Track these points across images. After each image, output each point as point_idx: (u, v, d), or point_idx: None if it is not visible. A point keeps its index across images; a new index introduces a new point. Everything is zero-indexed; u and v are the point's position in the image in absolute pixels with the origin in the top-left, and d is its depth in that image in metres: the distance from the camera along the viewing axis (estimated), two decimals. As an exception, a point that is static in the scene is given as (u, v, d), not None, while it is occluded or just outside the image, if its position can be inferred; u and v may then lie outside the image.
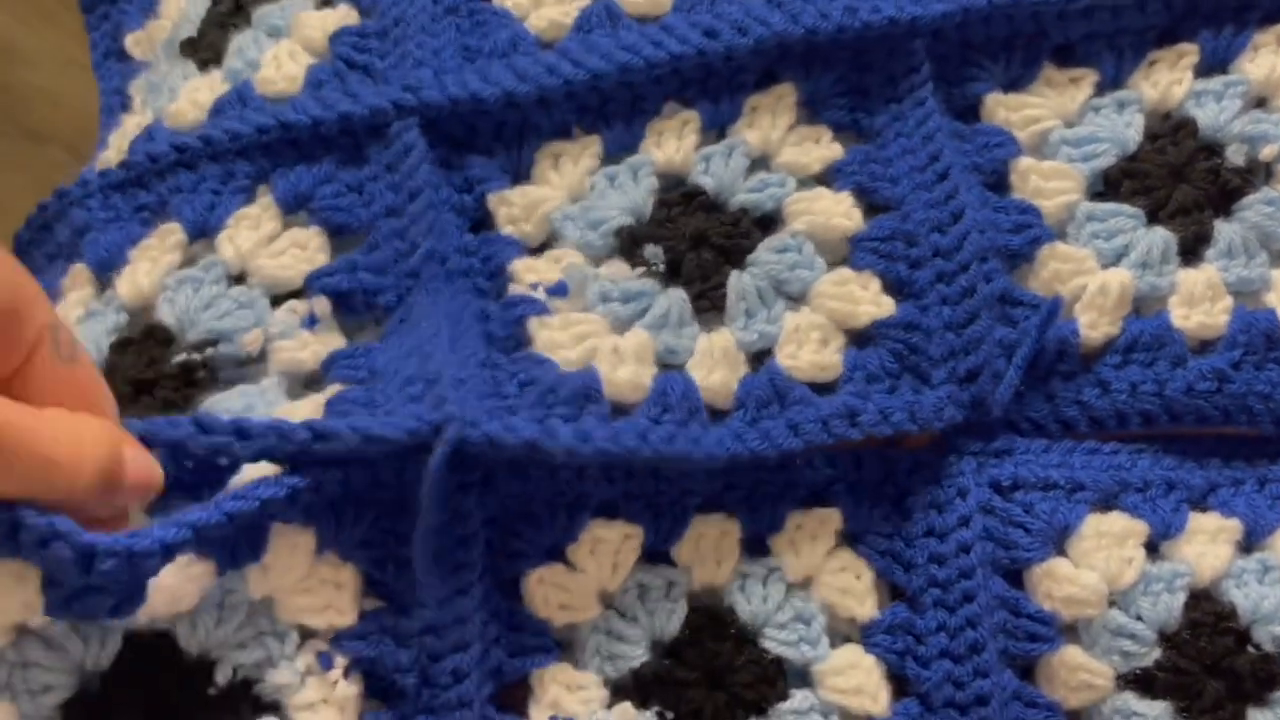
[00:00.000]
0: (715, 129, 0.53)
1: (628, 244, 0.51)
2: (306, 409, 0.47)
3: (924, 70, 0.52)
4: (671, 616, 0.47)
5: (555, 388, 0.47)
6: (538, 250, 0.52)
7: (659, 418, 0.47)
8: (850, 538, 0.49)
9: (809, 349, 0.49)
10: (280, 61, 0.55)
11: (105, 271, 0.52)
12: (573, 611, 0.47)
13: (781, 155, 0.52)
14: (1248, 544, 0.48)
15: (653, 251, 0.50)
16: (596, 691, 0.46)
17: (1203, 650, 0.46)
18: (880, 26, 0.51)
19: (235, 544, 0.41)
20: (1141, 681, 0.46)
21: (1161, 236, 0.50)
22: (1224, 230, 0.50)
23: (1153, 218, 0.51)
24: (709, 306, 0.50)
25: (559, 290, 0.50)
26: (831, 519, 0.48)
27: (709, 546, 0.48)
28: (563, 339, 0.49)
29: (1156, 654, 0.46)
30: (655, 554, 0.48)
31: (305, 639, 0.43)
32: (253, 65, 0.55)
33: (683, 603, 0.47)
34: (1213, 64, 0.53)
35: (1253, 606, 0.46)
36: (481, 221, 0.53)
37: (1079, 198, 0.51)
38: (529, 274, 0.51)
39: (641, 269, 0.50)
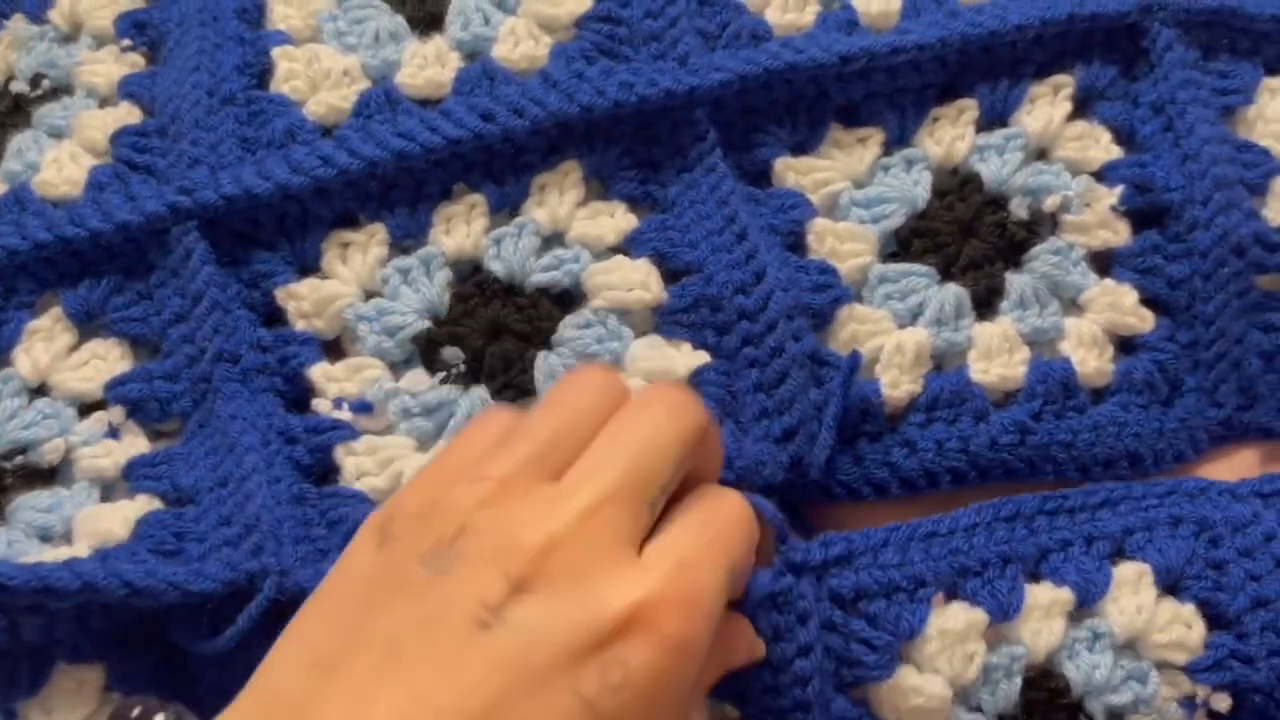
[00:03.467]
0: (504, 210, 0.53)
1: (425, 349, 0.51)
2: (115, 519, 0.47)
3: (710, 137, 0.53)
4: None
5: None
6: (334, 344, 0.52)
7: None
8: None
9: None
10: (61, 164, 0.54)
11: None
12: None
13: (573, 230, 0.52)
14: (1078, 612, 0.47)
15: (451, 354, 0.50)
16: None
17: (1038, 730, 0.45)
18: (657, 99, 0.52)
19: (14, 670, 0.42)
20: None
21: (954, 293, 0.51)
22: (1015, 282, 0.51)
23: (945, 274, 0.52)
24: (517, 395, 0.50)
25: (362, 408, 0.50)
26: None
27: None
28: (369, 465, 0.49)
29: (995, 743, 0.45)
30: None
31: None
32: (32, 167, 0.55)
33: None
34: (992, 118, 0.54)
35: (1084, 679, 0.46)
36: (273, 315, 0.52)
37: (872, 259, 0.52)
38: (330, 384, 0.50)
39: (442, 374, 0.50)
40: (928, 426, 0.50)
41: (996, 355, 0.51)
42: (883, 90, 0.55)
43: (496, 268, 0.51)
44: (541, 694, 0.33)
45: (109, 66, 0.57)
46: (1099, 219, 0.53)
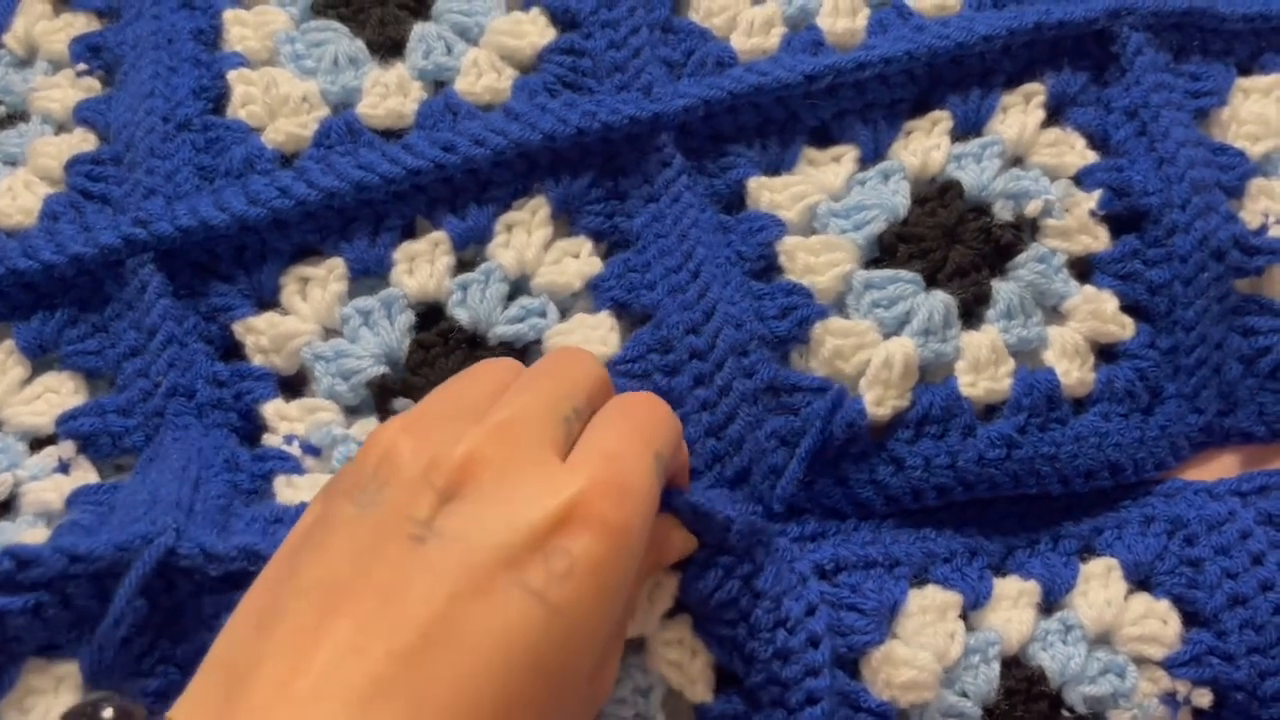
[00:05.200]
0: (469, 248, 0.55)
1: (379, 395, 0.53)
2: (40, 537, 0.49)
3: (676, 164, 0.56)
4: None
5: (281, 516, 0.49)
6: (292, 381, 0.54)
7: None
8: (690, 611, 0.49)
9: None
10: (15, 192, 0.57)
11: None
12: None
13: (539, 275, 0.55)
14: (1047, 604, 0.51)
15: (404, 405, 0.53)
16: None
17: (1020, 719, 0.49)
18: (621, 127, 0.55)
19: None
20: (970, 760, 0.49)
21: (941, 300, 0.53)
22: (1002, 290, 0.54)
23: (931, 281, 0.55)
24: None
25: (311, 451, 0.53)
26: (668, 583, 0.48)
27: None
28: (307, 498, 0.51)
29: (983, 731, 0.49)
30: None
31: None
32: None
33: None
34: (967, 128, 0.58)
35: (1060, 668, 0.49)
36: (231, 348, 0.55)
37: (853, 267, 0.54)
38: (283, 423, 0.53)
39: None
40: (915, 443, 0.53)
41: (984, 368, 0.53)
42: (852, 107, 0.58)
43: (461, 316, 0.54)
44: (489, 594, 0.35)
45: (65, 91, 0.60)
46: (1079, 224, 0.56)
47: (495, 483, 0.38)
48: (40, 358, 0.54)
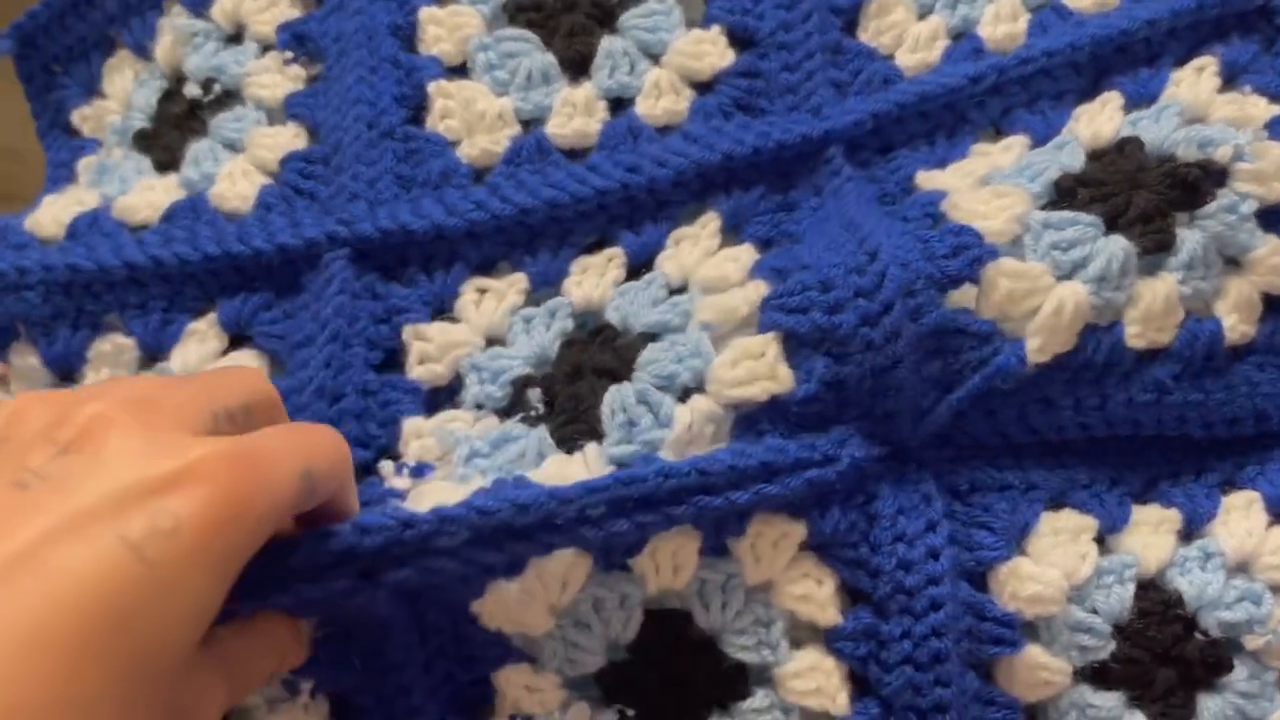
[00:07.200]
0: (642, 263, 0.63)
1: (520, 393, 0.59)
2: None
3: (844, 173, 0.63)
4: (628, 624, 0.55)
5: None
6: (442, 391, 0.61)
7: None
8: (815, 548, 0.56)
9: (698, 446, 0.55)
10: (234, 179, 0.68)
11: (61, 368, 0.67)
12: (525, 626, 0.54)
13: (698, 274, 0.61)
14: (1188, 532, 0.56)
15: (535, 395, 0.59)
16: (554, 693, 0.55)
17: (1153, 639, 0.54)
18: (795, 145, 0.64)
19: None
20: (1097, 674, 0.54)
21: (1122, 247, 0.56)
22: (1187, 240, 0.57)
23: (1111, 226, 0.57)
24: (585, 430, 0.57)
25: (419, 472, 0.58)
26: (794, 532, 0.55)
27: (666, 558, 0.54)
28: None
29: (1111, 646, 0.54)
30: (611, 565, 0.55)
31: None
32: (208, 179, 0.69)
33: (639, 611, 0.55)
34: (1138, 103, 0.63)
35: (1197, 593, 0.54)
36: (395, 353, 0.63)
37: (1028, 209, 0.57)
38: (414, 441, 0.59)
39: (520, 414, 0.59)
40: (1071, 384, 0.57)
41: (1154, 319, 0.57)
42: (1018, 103, 0.66)
43: (613, 317, 0.61)
44: (81, 539, 0.37)
45: (274, 77, 0.71)
46: (1276, 168, 0.58)
47: (117, 440, 0.40)
48: (237, 334, 0.64)
